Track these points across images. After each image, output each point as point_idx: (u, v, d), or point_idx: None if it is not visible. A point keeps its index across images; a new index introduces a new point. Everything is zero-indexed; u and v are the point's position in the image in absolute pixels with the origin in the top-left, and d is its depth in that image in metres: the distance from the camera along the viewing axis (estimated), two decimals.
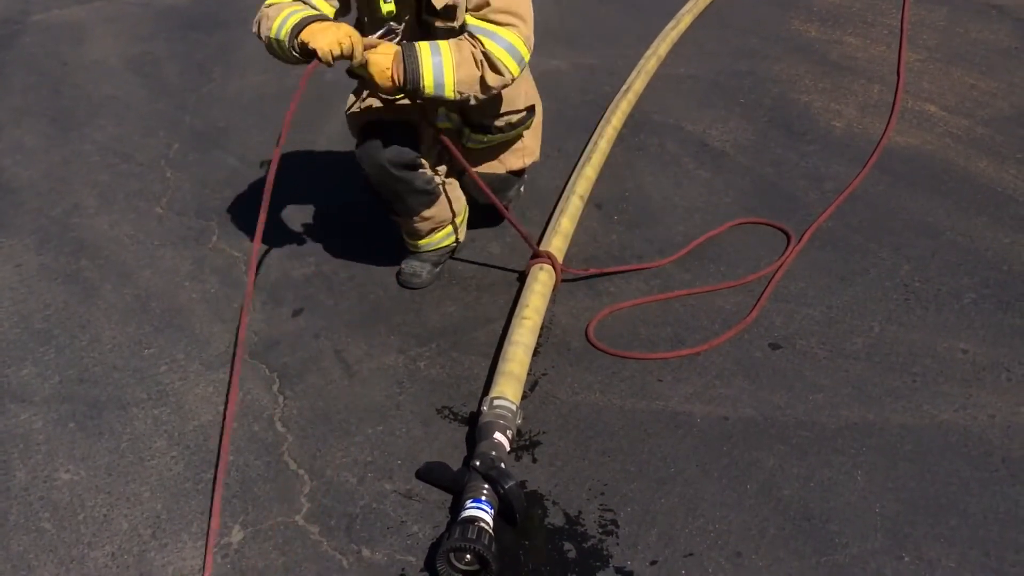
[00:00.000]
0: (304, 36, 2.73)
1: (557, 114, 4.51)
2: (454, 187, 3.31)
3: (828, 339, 3.05)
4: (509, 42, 2.78)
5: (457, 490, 2.51)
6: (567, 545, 2.43)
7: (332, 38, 2.68)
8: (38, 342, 3.23)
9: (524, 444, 2.74)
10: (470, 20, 2.79)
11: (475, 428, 2.65)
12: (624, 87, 4.59)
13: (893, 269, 3.34)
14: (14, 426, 2.90)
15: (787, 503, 2.50)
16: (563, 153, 4.16)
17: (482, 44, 2.76)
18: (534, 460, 2.69)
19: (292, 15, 2.79)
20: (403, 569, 2.40)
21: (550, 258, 3.25)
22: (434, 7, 2.81)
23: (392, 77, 2.76)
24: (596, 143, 4.06)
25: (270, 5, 2.89)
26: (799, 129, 4.30)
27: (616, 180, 3.97)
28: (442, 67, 2.74)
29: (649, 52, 4.95)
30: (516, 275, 3.40)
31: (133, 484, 2.69)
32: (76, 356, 3.16)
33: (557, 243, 3.40)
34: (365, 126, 3.05)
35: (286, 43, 2.78)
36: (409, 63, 2.73)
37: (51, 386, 3.04)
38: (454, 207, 3.31)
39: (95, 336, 3.25)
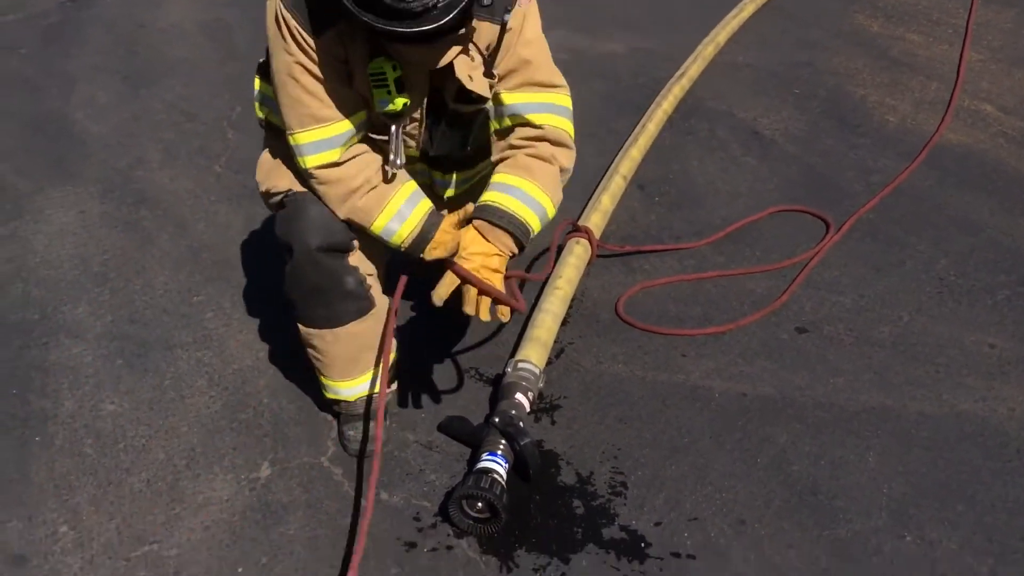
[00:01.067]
0: (433, 255, 2.35)
1: (608, 96, 4.58)
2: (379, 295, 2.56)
3: (856, 326, 3.08)
4: (567, 108, 2.43)
5: (475, 444, 2.60)
6: (576, 502, 2.51)
7: (449, 245, 2.34)
8: (94, 283, 3.40)
9: (544, 407, 2.82)
10: (512, 98, 2.36)
11: (498, 388, 2.74)
12: (679, 72, 4.63)
13: (930, 263, 3.35)
14: (66, 359, 3.07)
15: (795, 478, 2.55)
16: (612, 133, 4.22)
17: (545, 133, 2.38)
18: (552, 422, 2.77)
19: (410, 210, 2.32)
20: (418, 512, 2.50)
21: (587, 233, 3.32)
22: (468, 93, 2.28)
23: (498, 257, 2.34)
24: (645, 125, 4.11)
25: (348, 151, 2.30)
26: (852, 121, 4.30)
27: (662, 162, 4.02)
28: (532, 197, 2.36)
29: (708, 39, 4.97)
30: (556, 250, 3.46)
31: (172, 419, 2.83)
32: (129, 299, 3.33)
33: (596, 219, 3.46)
34: (290, 196, 2.45)
35: (406, 248, 2.35)
36: (512, 227, 2.33)
37: (103, 325, 3.21)
38: (377, 325, 2.55)
39: (148, 281, 3.41)
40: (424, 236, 2.33)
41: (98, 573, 2.37)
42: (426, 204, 2.36)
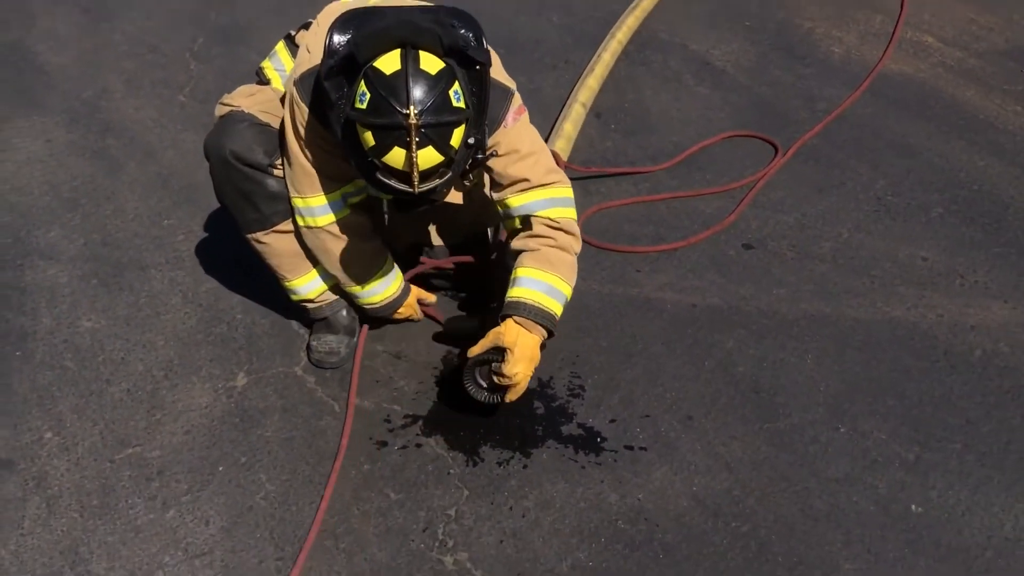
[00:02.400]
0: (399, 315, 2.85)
1: (565, 28, 4.69)
2: None
3: (798, 242, 3.26)
4: (569, 197, 2.58)
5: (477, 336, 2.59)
6: (537, 403, 2.69)
7: (412, 312, 2.88)
8: (65, 208, 3.48)
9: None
10: (518, 200, 2.53)
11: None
12: (632, 4, 4.74)
13: (869, 183, 3.54)
14: (42, 280, 3.16)
15: (740, 378, 2.74)
16: (569, 64, 4.34)
17: (560, 224, 2.54)
18: None
19: (386, 285, 2.76)
20: (388, 416, 2.66)
21: (555, 156, 3.44)
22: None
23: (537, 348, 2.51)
24: (600, 56, 4.24)
25: (354, 214, 2.60)
26: (799, 53, 4.45)
27: (617, 92, 4.15)
28: (557, 289, 2.53)
29: None
30: None
31: (149, 334, 2.95)
32: (100, 223, 3.42)
33: (560, 144, 3.60)
34: (223, 116, 2.61)
35: (371, 312, 2.80)
36: (544, 321, 2.49)
37: (76, 247, 3.30)
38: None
39: (119, 206, 3.50)
40: (393, 306, 2.80)
41: (84, 473, 2.51)
42: (398, 281, 2.79)
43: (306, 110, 2.35)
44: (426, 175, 2.15)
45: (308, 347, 2.87)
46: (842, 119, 3.93)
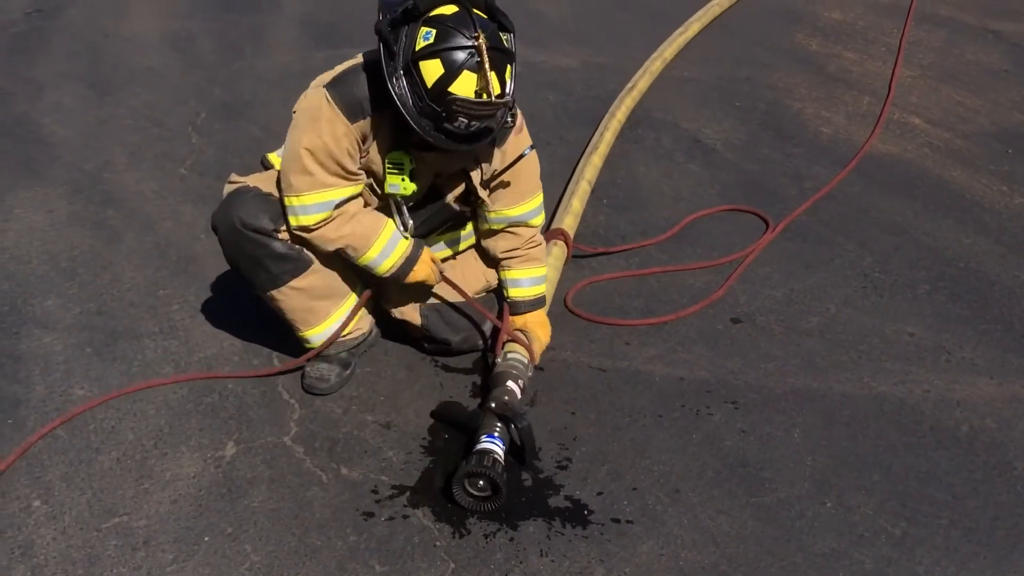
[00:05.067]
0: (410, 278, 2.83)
1: (562, 106, 4.80)
2: (331, 260, 2.88)
3: (786, 317, 3.30)
4: (542, 204, 3.03)
5: (471, 428, 2.74)
6: (524, 475, 2.69)
7: (429, 272, 2.85)
8: (63, 278, 3.53)
9: None
10: (514, 212, 2.93)
11: (489, 377, 2.88)
12: (629, 85, 4.86)
13: (856, 260, 3.59)
14: (36, 347, 3.19)
15: (727, 452, 2.75)
16: (564, 142, 4.44)
17: (537, 230, 3.02)
18: None
19: (394, 246, 2.77)
20: (376, 486, 2.66)
21: (563, 235, 3.50)
22: (468, 196, 2.87)
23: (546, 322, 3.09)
24: (602, 134, 4.34)
25: (338, 209, 2.71)
26: (788, 132, 4.55)
27: (610, 168, 4.23)
28: (545, 277, 3.11)
29: (655, 55, 5.22)
30: None
31: (140, 403, 2.97)
32: (97, 292, 3.46)
33: (569, 221, 3.65)
34: (230, 194, 2.79)
35: (389, 276, 2.81)
36: (539, 305, 3.07)
37: (72, 316, 3.34)
38: (333, 282, 2.91)
39: (116, 276, 3.54)
40: (405, 269, 2.80)
41: (71, 542, 2.50)
42: (406, 241, 2.80)
43: (335, 108, 2.56)
44: (487, 112, 2.43)
45: (302, 373, 3.01)
46: (830, 197, 4.00)
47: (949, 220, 3.83)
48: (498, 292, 3.12)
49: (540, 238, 3.04)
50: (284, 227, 2.72)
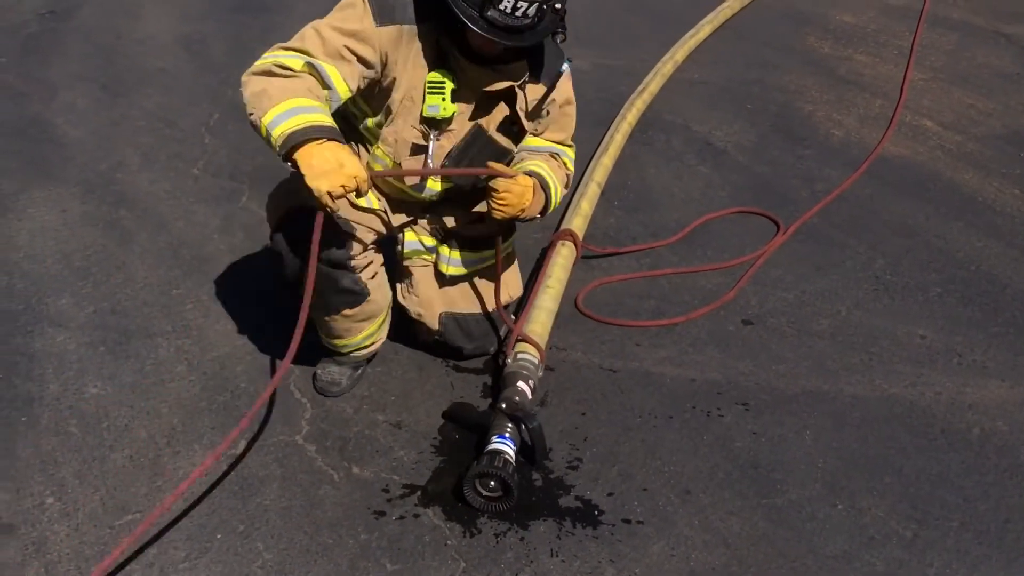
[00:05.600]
0: (300, 158, 2.25)
1: None
2: (381, 285, 2.83)
3: (797, 319, 3.30)
4: (573, 158, 2.91)
5: (480, 429, 2.76)
6: (535, 475, 2.70)
7: (335, 179, 2.24)
8: (77, 277, 3.54)
9: None
10: (544, 143, 2.81)
11: (499, 378, 2.89)
12: (640, 87, 4.87)
13: (867, 263, 3.59)
14: (50, 346, 3.21)
15: (738, 453, 2.75)
16: (575, 143, 4.40)
17: (566, 165, 2.83)
18: None
19: (296, 113, 2.27)
20: (387, 485, 2.67)
21: (572, 236, 3.50)
22: (511, 125, 2.71)
23: (522, 209, 2.64)
24: (612, 136, 4.34)
25: (271, 70, 2.36)
26: (799, 135, 4.55)
27: (621, 170, 4.24)
28: (558, 194, 2.76)
29: (667, 57, 5.23)
30: (541, 249, 3.65)
31: (153, 401, 2.98)
32: (110, 291, 3.47)
33: (577, 223, 3.64)
34: (288, 212, 2.60)
35: (276, 148, 2.29)
36: (546, 195, 2.68)
37: (86, 315, 3.35)
38: (380, 305, 2.85)
39: (129, 275, 3.56)
40: (298, 138, 2.25)
41: (84, 539, 2.51)
42: (323, 117, 2.32)
43: (366, 4, 2.42)
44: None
45: (314, 375, 3.01)
46: (841, 199, 4.00)
47: (961, 223, 3.83)
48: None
49: (565, 172, 2.82)
50: (356, 254, 2.63)
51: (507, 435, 2.65)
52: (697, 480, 2.67)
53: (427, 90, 2.54)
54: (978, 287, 3.44)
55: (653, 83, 4.92)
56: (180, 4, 6.28)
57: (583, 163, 4.15)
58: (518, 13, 2.36)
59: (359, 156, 2.71)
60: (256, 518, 2.58)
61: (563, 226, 3.58)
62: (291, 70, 2.37)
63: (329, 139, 2.27)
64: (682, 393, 2.98)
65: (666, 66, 5.12)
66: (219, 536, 2.52)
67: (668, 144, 4.48)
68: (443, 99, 2.53)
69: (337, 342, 2.90)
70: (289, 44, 2.45)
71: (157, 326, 3.30)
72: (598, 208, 3.95)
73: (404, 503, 2.63)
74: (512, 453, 2.61)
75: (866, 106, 4.82)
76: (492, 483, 2.56)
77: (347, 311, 2.77)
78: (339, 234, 2.59)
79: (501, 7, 2.34)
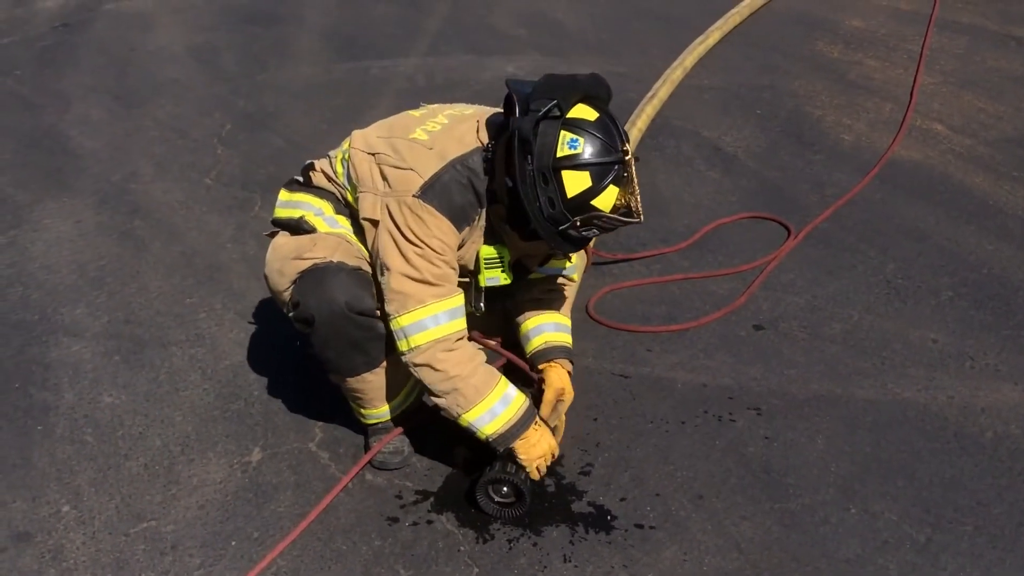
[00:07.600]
0: (519, 447, 2.48)
1: None
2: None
3: (809, 324, 3.30)
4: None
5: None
6: (547, 481, 2.70)
7: (547, 459, 2.56)
8: (91, 287, 3.58)
9: None
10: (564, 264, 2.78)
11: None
12: (650, 94, 4.87)
13: (879, 267, 3.58)
14: (66, 356, 3.24)
15: (750, 458, 2.75)
16: None
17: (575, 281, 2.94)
18: None
19: (496, 414, 2.46)
20: (400, 492, 2.69)
21: None
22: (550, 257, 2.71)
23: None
24: None
25: (452, 348, 2.44)
26: (809, 139, 4.55)
27: None
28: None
29: (676, 63, 5.23)
30: None
31: (167, 409, 3.01)
32: (124, 301, 3.50)
33: None
34: (310, 271, 2.53)
35: (488, 442, 2.49)
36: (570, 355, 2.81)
37: (100, 324, 3.38)
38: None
39: (143, 285, 3.59)
40: (514, 433, 2.48)
41: (100, 547, 2.53)
42: (520, 399, 2.51)
43: (439, 215, 2.37)
44: (622, 225, 2.34)
45: (366, 447, 2.81)
46: (852, 204, 3.99)
47: (972, 226, 3.82)
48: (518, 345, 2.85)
49: (572, 291, 2.90)
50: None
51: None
52: (710, 485, 2.67)
53: (484, 265, 2.55)
54: (990, 290, 3.44)
55: (663, 89, 4.93)
56: (192, 16, 6.33)
57: None
58: (588, 235, 2.38)
59: None
60: (270, 525, 2.59)
61: None
62: (462, 331, 2.46)
63: (533, 422, 2.52)
64: (694, 398, 2.99)
65: (675, 72, 5.13)
66: (234, 543, 2.54)
67: (678, 150, 4.49)
68: (502, 271, 2.56)
69: (370, 411, 2.74)
70: (443, 296, 2.42)
71: (171, 335, 3.33)
72: None
73: (417, 509, 2.64)
74: None
75: (876, 110, 4.82)
76: (505, 489, 2.57)
77: (392, 357, 2.57)
78: (359, 282, 2.52)
79: (581, 232, 2.34)
